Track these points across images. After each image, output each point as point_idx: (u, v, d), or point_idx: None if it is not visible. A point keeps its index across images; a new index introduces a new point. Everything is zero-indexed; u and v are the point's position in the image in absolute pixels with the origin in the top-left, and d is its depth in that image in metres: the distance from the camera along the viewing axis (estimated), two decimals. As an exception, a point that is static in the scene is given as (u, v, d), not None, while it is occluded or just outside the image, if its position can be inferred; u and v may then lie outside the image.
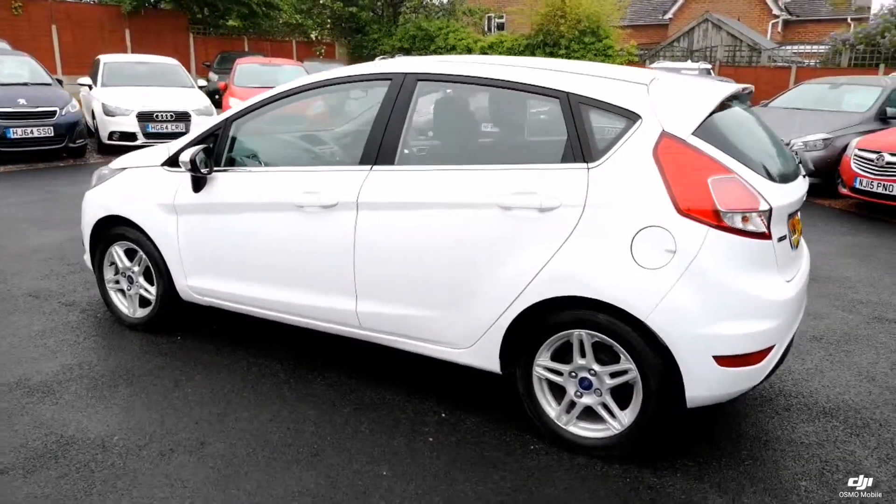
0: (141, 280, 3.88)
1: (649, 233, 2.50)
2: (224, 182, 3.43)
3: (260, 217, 3.31)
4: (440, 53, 24.86)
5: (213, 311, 3.86)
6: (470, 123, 3.34)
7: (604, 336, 2.62)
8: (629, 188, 2.55)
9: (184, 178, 3.54)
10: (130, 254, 3.91)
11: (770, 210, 2.52)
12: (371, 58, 26.80)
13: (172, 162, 3.63)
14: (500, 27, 34.13)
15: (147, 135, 10.76)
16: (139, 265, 3.86)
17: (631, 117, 2.63)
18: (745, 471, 2.70)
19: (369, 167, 3.05)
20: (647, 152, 2.55)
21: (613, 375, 2.67)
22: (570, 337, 2.71)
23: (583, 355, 2.71)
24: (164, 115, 10.90)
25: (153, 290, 3.84)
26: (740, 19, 29.27)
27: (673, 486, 2.60)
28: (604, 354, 2.69)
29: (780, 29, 32.51)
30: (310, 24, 28.36)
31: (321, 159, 3.83)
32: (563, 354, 2.78)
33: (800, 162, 3.16)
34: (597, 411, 2.74)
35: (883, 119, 9.47)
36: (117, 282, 4.01)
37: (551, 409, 2.84)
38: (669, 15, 33.11)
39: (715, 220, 2.45)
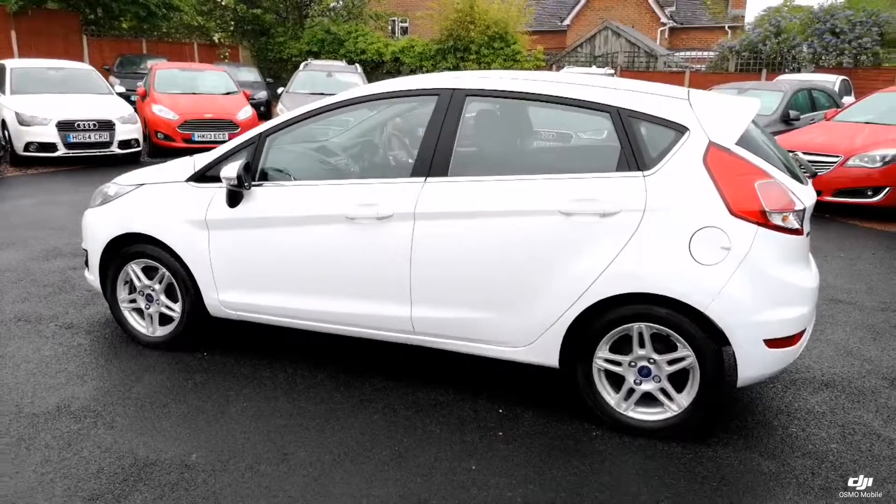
0: (163, 297, 3.80)
1: (706, 233, 2.80)
2: (265, 196, 3.45)
3: (307, 230, 3.36)
4: (350, 57, 24.66)
5: (235, 328, 3.84)
6: (519, 136, 3.54)
7: (662, 327, 2.91)
8: (685, 193, 2.85)
9: (215, 193, 3.53)
10: (148, 271, 3.82)
11: (804, 209, 2.90)
12: (278, 62, 26.25)
13: (200, 177, 3.61)
14: (405, 31, 34.37)
15: (68, 145, 10.18)
16: (160, 283, 3.78)
17: (679, 129, 2.93)
18: (783, 439, 3.07)
19: (423, 179, 3.19)
20: (697, 161, 2.86)
21: (671, 363, 2.96)
22: (630, 330, 2.97)
23: (641, 346, 2.98)
24: (86, 123, 10.32)
25: (177, 307, 3.78)
26: (634, 26, 31.03)
27: (728, 456, 2.92)
28: (659, 344, 2.98)
29: (667, 36, 34.74)
30: (212, 27, 27.39)
31: (366, 172, 3.94)
32: (619, 346, 3.04)
33: (801, 166, 3.58)
34: (655, 396, 3.02)
35: (786, 121, 10.50)
36: (133, 300, 3.90)
37: (610, 397, 3.09)
38: (567, 21, 34.58)
39: (762, 219, 2.79)
